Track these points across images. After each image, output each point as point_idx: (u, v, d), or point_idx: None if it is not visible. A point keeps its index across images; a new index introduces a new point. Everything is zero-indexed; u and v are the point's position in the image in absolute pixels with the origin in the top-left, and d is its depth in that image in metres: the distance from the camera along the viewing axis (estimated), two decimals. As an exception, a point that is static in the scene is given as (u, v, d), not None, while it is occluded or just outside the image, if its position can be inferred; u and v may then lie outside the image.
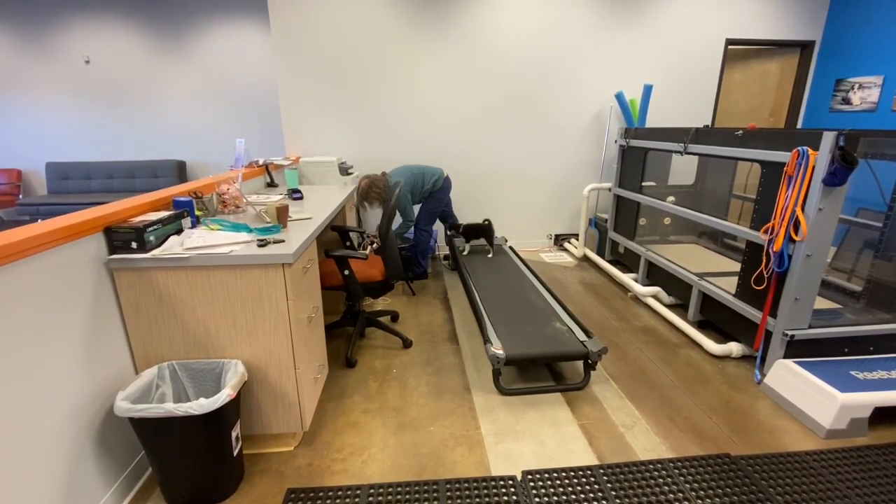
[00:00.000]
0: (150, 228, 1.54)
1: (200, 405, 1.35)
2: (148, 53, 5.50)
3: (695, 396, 2.14)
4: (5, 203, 5.54)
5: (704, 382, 2.25)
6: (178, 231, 1.72)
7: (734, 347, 2.45)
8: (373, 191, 3.16)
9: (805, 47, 4.44)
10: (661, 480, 1.61)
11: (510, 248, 3.84)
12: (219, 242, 1.60)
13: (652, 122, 4.38)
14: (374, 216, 4.36)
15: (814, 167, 1.93)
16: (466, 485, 1.60)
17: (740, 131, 2.41)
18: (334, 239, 3.00)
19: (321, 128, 4.14)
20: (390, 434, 1.88)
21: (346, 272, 2.28)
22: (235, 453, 1.56)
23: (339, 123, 4.14)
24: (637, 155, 3.56)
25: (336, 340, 2.72)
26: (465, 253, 3.61)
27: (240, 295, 1.56)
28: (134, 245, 1.50)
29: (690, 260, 3.27)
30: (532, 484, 1.60)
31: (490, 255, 3.57)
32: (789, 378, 2.04)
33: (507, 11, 3.99)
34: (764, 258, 2.20)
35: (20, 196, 5.70)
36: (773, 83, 4.68)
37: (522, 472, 1.66)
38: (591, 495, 1.55)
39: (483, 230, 3.62)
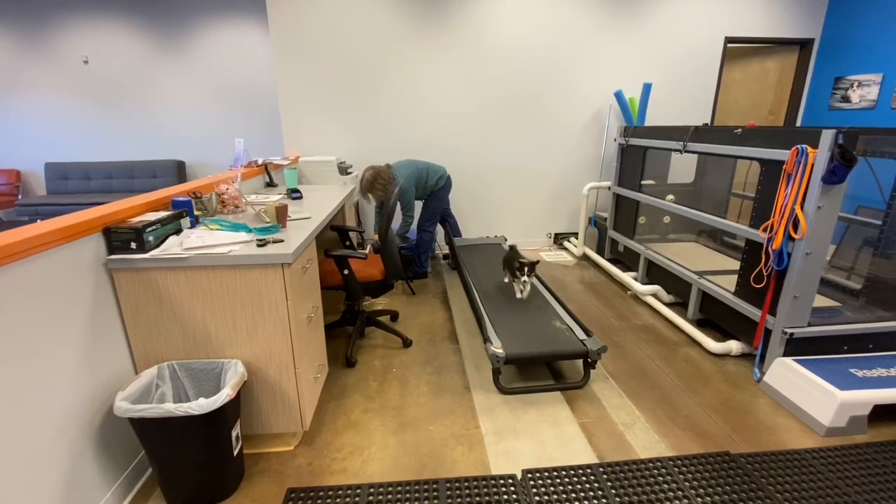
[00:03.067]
0: (149, 229, 1.54)
1: (200, 405, 1.35)
2: (147, 53, 5.50)
3: (694, 395, 2.14)
4: (4, 203, 5.54)
5: (704, 381, 2.25)
6: (178, 231, 1.72)
7: (734, 345, 2.46)
8: (377, 183, 3.11)
9: (804, 45, 4.44)
10: (660, 479, 1.61)
11: (510, 247, 3.84)
12: (218, 242, 1.60)
13: (651, 120, 4.38)
14: (371, 208, 4.36)
15: (813, 165, 1.93)
16: (466, 484, 1.60)
17: (739, 129, 2.41)
18: (334, 238, 3.00)
19: (320, 127, 4.13)
20: (390, 433, 1.89)
21: (346, 272, 2.28)
22: (235, 453, 1.56)
23: (338, 123, 4.13)
24: (636, 153, 3.56)
25: (336, 340, 2.72)
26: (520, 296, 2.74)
27: (239, 295, 1.56)
28: (133, 245, 1.50)
29: (690, 258, 3.27)
30: (532, 483, 1.60)
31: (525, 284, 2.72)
32: (789, 376, 2.04)
33: (505, 10, 3.98)
34: (763, 256, 2.20)
35: (19, 196, 5.69)
36: (773, 81, 4.67)
37: (522, 470, 1.66)
38: (591, 494, 1.55)
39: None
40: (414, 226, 3.73)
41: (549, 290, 2.82)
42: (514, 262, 2.72)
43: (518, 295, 2.72)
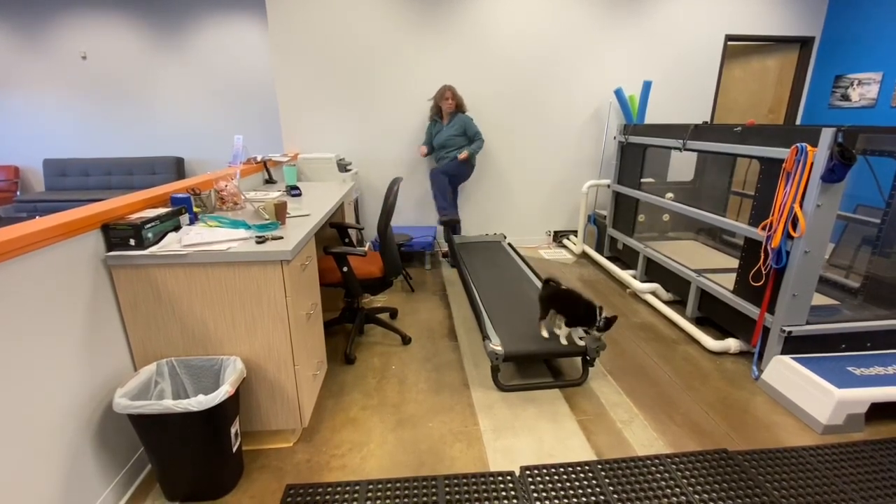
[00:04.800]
0: (148, 225, 1.54)
1: (199, 402, 1.35)
2: (145, 49, 5.48)
3: (692, 392, 2.14)
4: (3, 200, 5.52)
5: (702, 378, 2.26)
6: (176, 228, 1.71)
7: (732, 344, 2.46)
8: (452, 96, 3.66)
9: (804, 43, 4.43)
10: (658, 476, 1.62)
11: (509, 244, 3.84)
12: (217, 239, 1.60)
13: (651, 118, 4.37)
14: (371, 206, 4.36)
15: (812, 164, 1.93)
16: (465, 480, 1.60)
17: (739, 128, 2.41)
18: (333, 236, 2.99)
19: (319, 124, 4.12)
20: (389, 430, 1.89)
21: (345, 269, 2.28)
22: (234, 449, 1.56)
23: (337, 120, 4.12)
24: (636, 151, 3.56)
25: (335, 337, 2.72)
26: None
27: (238, 292, 1.56)
28: (132, 242, 1.50)
29: (689, 256, 3.28)
30: (530, 479, 1.60)
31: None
32: (787, 374, 2.05)
33: (505, 7, 3.97)
34: (762, 255, 2.20)
35: (18, 193, 5.68)
36: (773, 79, 4.67)
37: (521, 467, 1.67)
38: (589, 490, 1.55)
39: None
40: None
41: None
42: (574, 307, 2.07)
43: (563, 342, 2.15)
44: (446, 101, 3.70)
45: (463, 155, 3.73)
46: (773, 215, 2.11)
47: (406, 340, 2.63)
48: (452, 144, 3.79)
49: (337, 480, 1.62)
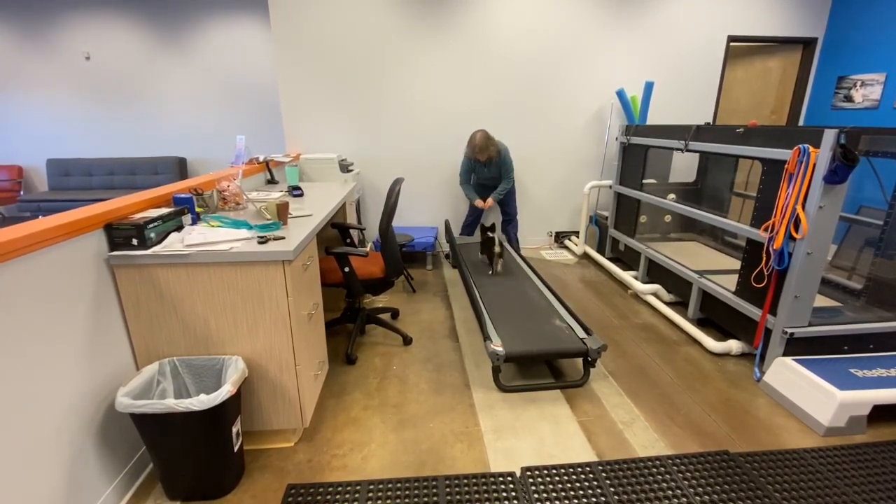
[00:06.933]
0: (151, 225, 1.55)
1: (201, 401, 1.36)
2: (148, 50, 5.49)
3: (694, 394, 2.14)
4: (6, 200, 5.55)
5: (704, 380, 2.25)
6: (179, 228, 1.72)
7: (734, 345, 2.46)
8: (491, 142, 3.55)
9: (807, 44, 4.42)
10: (659, 477, 1.62)
11: (511, 245, 3.84)
12: (219, 239, 1.60)
13: (653, 119, 4.37)
14: (372, 206, 4.36)
15: (815, 165, 1.93)
16: (465, 481, 1.60)
17: (741, 129, 2.40)
18: (335, 236, 2.99)
19: (322, 125, 4.13)
20: (390, 430, 1.89)
21: (347, 269, 2.28)
22: (236, 449, 1.56)
23: (339, 120, 4.13)
24: (638, 152, 3.56)
25: (336, 337, 2.73)
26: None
27: (240, 291, 1.57)
28: (134, 242, 1.51)
29: (691, 257, 3.27)
30: (531, 480, 1.60)
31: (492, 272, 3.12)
32: (788, 376, 2.04)
33: (508, 7, 3.97)
34: (764, 256, 2.20)
35: (21, 193, 5.70)
36: (775, 80, 4.66)
37: (521, 468, 1.67)
38: (590, 492, 1.55)
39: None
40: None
41: (549, 289, 2.82)
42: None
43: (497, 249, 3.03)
44: (480, 156, 3.58)
45: (488, 202, 3.81)
46: (775, 216, 2.11)
47: (407, 341, 2.63)
48: (493, 186, 3.86)
49: (338, 480, 1.62)
